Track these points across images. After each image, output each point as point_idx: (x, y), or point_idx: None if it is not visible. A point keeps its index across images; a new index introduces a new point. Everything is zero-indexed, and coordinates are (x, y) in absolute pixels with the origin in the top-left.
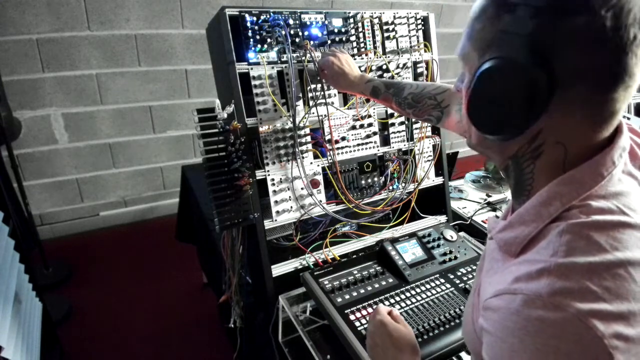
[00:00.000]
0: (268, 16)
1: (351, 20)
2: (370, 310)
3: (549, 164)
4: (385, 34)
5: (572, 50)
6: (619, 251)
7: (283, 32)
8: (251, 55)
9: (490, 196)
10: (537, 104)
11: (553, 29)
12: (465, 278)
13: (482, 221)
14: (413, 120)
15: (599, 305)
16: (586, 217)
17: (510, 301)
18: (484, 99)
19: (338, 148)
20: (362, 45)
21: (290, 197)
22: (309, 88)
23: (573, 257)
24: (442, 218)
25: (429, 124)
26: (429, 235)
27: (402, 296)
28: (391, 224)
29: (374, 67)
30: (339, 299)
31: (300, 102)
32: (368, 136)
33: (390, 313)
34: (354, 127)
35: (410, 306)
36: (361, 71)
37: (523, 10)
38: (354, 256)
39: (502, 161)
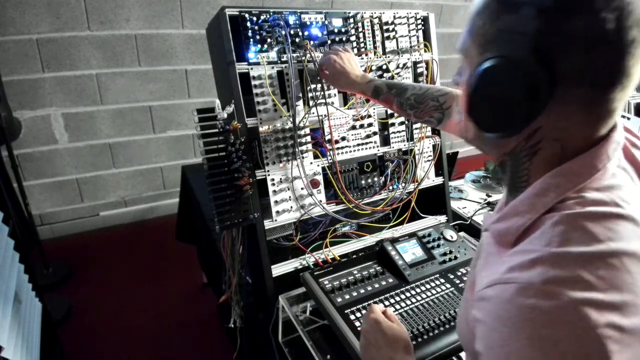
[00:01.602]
0: (268, 16)
1: (351, 20)
2: None
3: (545, 160)
4: (385, 34)
5: (572, 50)
6: (614, 242)
7: (283, 32)
8: (251, 55)
9: (490, 196)
10: (537, 103)
11: (556, 30)
12: (465, 278)
13: (482, 221)
14: (413, 121)
15: (592, 294)
16: (581, 207)
17: (503, 290)
18: (485, 97)
19: (338, 148)
20: (362, 45)
21: (290, 197)
22: (309, 88)
23: (567, 247)
24: (442, 218)
25: (429, 126)
26: (429, 235)
27: (402, 296)
28: (391, 224)
29: (374, 67)
30: (339, 299)
31: (300, 102)
32: (368, 136)
33: (384, 312)
34: (354, 127)
35: (410, 306)
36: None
37: (527, 10)
38: (354, 256)
39: (499, 156)
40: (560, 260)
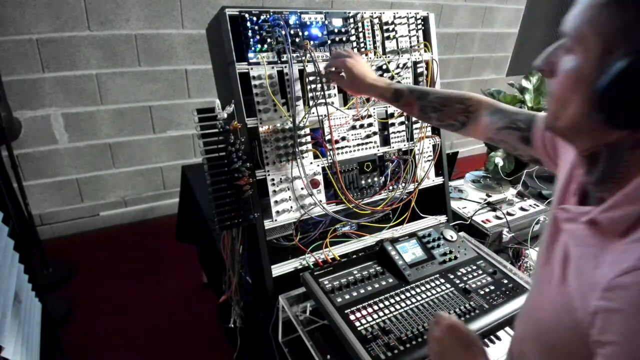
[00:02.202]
0: (268, 16)
1: (351, 20)
2: (370, 310)
3: None
4: (385, 34)
5: None
6: None
7: (283, 32)
8: (251, 55)
9: (490, 196)
10: None
11: None
12: (465, 278)
13: (482, 221)
14: (413, 120)
15: None
16: None
17: None
18: (624, 90)
19: (338, 148)
20: (362, 45)
21: (290, 197)
22: (309, 88)
23: None
24: (442, 218)
25: (450, 130)
26: (429, 235)
27: (402, 296)
28: (391, 224)
29: (374, 67)
30: (339, 299)
31: (300, 102)
32: (368, 136)
33: None
34: (354, 127)
35: (411, 306)
36: None
37: None
38: (354, 256)
39: (592, 147)
40: None
